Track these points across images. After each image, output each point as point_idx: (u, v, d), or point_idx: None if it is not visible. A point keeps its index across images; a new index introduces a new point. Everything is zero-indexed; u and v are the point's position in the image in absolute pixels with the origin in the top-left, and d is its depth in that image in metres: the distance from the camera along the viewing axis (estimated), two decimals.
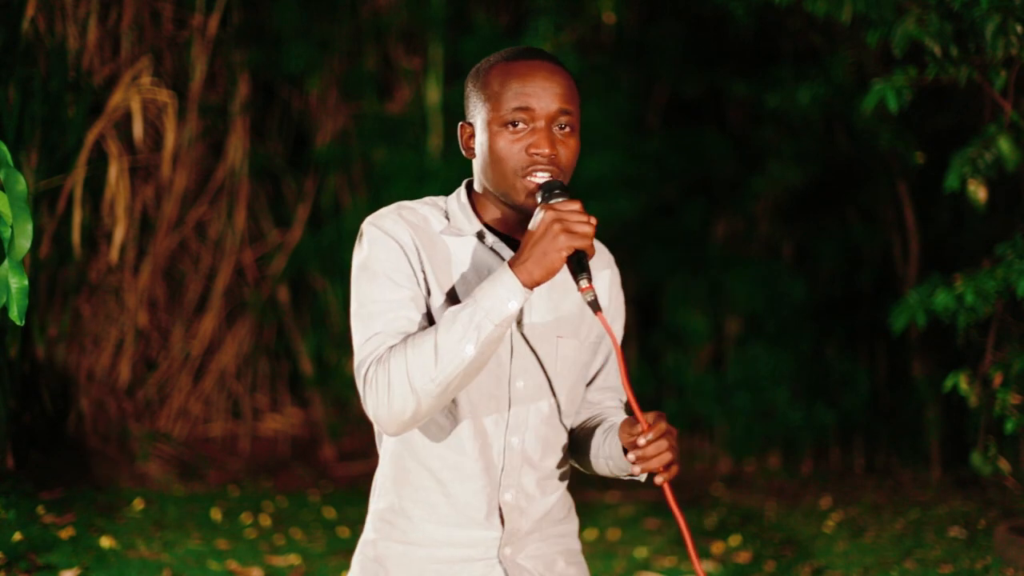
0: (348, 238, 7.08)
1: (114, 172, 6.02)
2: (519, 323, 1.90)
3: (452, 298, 1.87)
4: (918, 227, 6.03)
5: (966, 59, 3.77)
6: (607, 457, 1.93)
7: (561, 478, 1.99)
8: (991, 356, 4.25)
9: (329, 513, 5.62)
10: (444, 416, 1.89)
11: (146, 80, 6.17)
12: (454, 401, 1.87)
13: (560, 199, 1.76)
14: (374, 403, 1.77)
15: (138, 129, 6.14)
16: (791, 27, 6.29)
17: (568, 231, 1.70)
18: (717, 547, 5.01)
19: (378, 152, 7.12)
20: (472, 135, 1.90)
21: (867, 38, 3.91)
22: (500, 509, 1.90)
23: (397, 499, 1.93)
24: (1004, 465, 4.53)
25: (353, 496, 6.06)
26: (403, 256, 1.86)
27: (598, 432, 1.98)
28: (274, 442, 7.07)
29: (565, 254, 1.71)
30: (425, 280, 1.87)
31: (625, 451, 1.88)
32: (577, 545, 2.04)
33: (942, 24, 3.67)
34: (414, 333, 1.80)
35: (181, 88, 6.52)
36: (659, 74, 6.98)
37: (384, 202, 7.10)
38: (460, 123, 1.93)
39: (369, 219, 1.90)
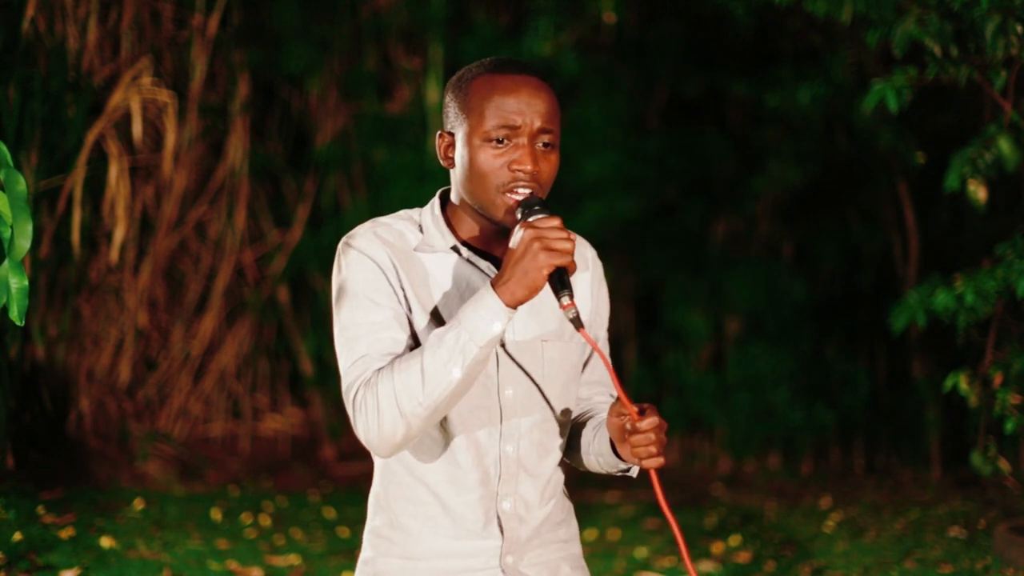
0: None
1: (114, 172, 6.02)
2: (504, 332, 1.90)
3: (435, 315, 1.87)
4: (918, 227, 6.03)
5: (966, 59, 3.77)
6: (597, 454, 1.93)
7: (559, 482, 1.98)
8: (991, 356, 4.25)
9: (329, 513, 5.62)
10: (436, 430, 1.88)
11: (146, 80, 6.17)
12: (445, 415, 1.87)
13: (539, 216, 1.75)
14: (364, 427, 1.78)
15: (138, 129, 6.14)
16: (791, 27, 6.29)
17: (548, 249, 1.70)
18: (717, 547, 5.01)
19: (378, 152, 7.12)
20: (451, 145, 1.88)
21: (867, 38, 3.91)
22: (499, 518, 1.90)
23: (394, 514, 1.92)
24: (1004, 465, 4.53)
25: (353, 496, 6.06)
26: (381, 275, 1.86)
27: (588, 428, 1.98)
28: (274, 442, 7.07)
29: (546, 272, 1.71)
30: (405, 298, 1.87)
31: (612, 444, 1.88)
32: (578, 550, 2.04)
33: (942, 24, 3.67)
34: (400, 355, 1.81)
35: (181, 88, 6.52)
36: (659, 74, 6.98)
37: (384, 202, 7.09)
38: (439, 132, 1.91)
39: (344, 239, 1.90)
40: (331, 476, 6.61)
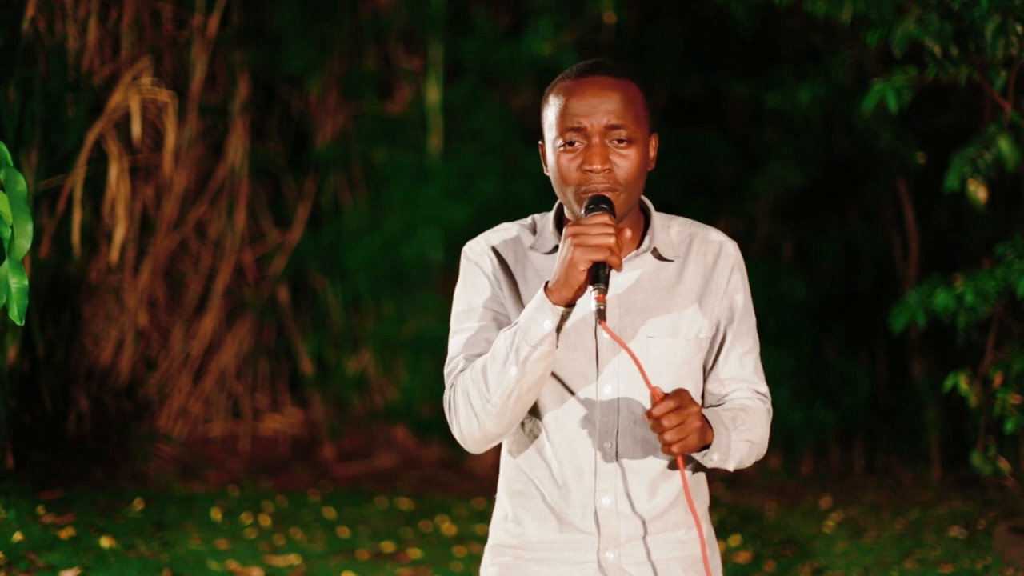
0: (348, 238, 7.09)
1: (114, 172, 6.02)
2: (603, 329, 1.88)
3: None
4: (918, 227, 6.03)
5: (966, 59, 3.77)
6: None
7: (676, 479, 1.95)
8: (991, 356, 4.26)
9: (329, 513, 5.62)
10: (536, 425, 1.93)
11: (146, 80, 6.17)
12: (538, 411, 1.91)
13: (592, 213, 1.77)
14: (451, 424, 1.88)
15: (138, 129, 6.14)
16: (791, 27, 6.28)
17: (583, 245, 1.71)
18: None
19: (378, 152, 7.12)
20: (545, 153, 1.94)
21: (867, 38, 3.91)
22: (596, 514, 1.91)
23: (510, 507, 1.99)
24: (1004, 465, 4.54)
25: (353, 496, 6.07)
26: (486, 281, 1.94)
27: None
28: (274, 442, 7.07)
29: (583, 267, 1.72)
30: (511, 300, 1.93)
31: None
32: (701, 552, 1.97)
33: (942, 24, 3.67)
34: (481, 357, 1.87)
35: (181, 88, 6.52)
36: (659, 74, 6.98)
37: (384, 202, 7.05)
38: (539, 142, 1.96)
39: (464, 247, 1.99)
40: (331, 476, 6.61)
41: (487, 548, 2.04)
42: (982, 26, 3.57)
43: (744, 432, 1.91)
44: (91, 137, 5.89)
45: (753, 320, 2.01)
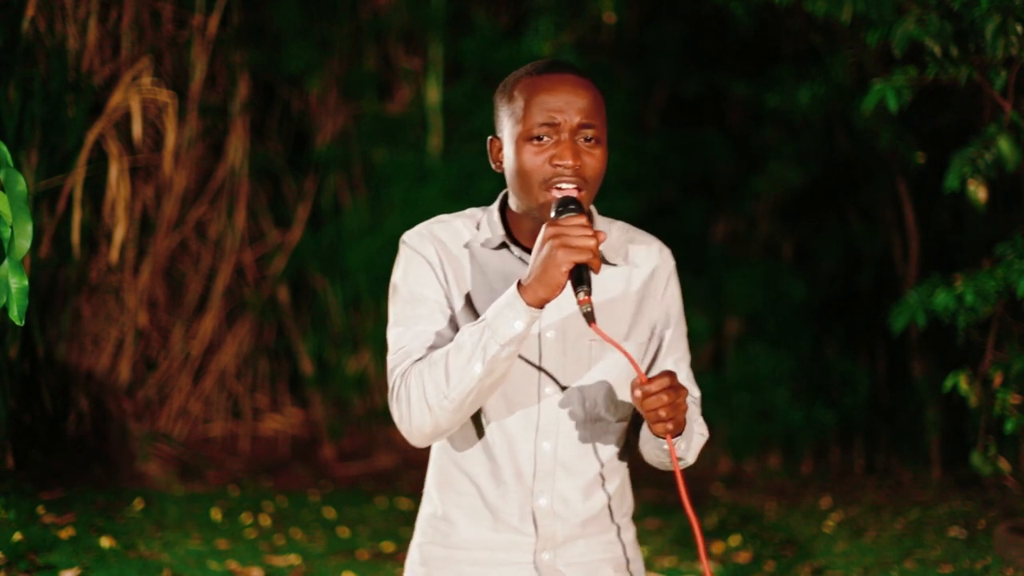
0: (348, 238, 7.09)
1: (114, 172, 6.02)
2: (548, 330, 1.90)
3: (479, 310, 1.90)
4: (918, 227, 6.02)
5: (966, 59, 3.77)
6: (644, 440, 1.94)
7: (610, 482, 1.97)
8: (991, 356, 4.26)
9: (329, 513, 5.63)
10: (476, 423, 1.92)
11: (146, 80, 6.17)
12: (482, 409, 1.90)
13: (567, 214, 1.76)
14: (398, 417, 1.84)
15: (138, 129, 6.14)
16: (791, 27, 6.29)
17: (566, 246, 1.70)
18: (717, 547, 5.01)
19: (378, 152, 7.12)
20: (501, 149, 1.92)
21: (867, 38, 3.91)
22: (534, 514, 1.91)
23: (440, 504, 1.97)
24: (1004, 465, 4.54)
25: (353, 496, 6.07)
26: (430, 271, 1.91)
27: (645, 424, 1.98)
28: (274, 442, 7.07)
29: (565, 269, 1.71)
30: (453, 292, 1.91)
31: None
32: (630, 554, 2.04)
33: (942, 24, 3.67)
34: (437, 348, 1.85)
35: (181, 88, 6.52)
36: (659, 74, 6.98)
37: (384, 202, 7.03)
38: (490, 137, 1.94)
39: (403, 236, 1.96)
40: (331, 476, 6.61)
41: (413, 546, 2.02)
42: (982, 26, 3.57)
43: (699, 426, 1.96)
44: (91, 137, 5.89)
45: (685, 327, 2.07)
